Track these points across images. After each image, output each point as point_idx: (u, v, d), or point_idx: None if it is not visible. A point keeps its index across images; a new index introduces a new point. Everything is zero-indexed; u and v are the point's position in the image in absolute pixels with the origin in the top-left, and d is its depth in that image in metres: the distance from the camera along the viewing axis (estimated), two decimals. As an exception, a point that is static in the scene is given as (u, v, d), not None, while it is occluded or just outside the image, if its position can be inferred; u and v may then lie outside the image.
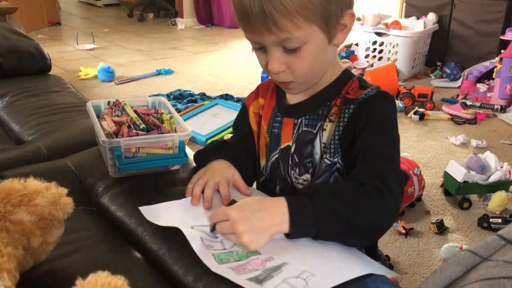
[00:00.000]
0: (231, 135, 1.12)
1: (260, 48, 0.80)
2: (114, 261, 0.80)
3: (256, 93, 1.00)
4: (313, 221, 0.72)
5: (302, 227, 0.73)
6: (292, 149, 0.90)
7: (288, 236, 0.74)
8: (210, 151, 0.97)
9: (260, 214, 0.72)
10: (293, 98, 0.91)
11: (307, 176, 0.88)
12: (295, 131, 0.89)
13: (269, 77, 0.89)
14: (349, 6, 0.80)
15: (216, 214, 0.76)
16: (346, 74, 0.89)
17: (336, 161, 0.85)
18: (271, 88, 0.97)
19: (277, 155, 0.93)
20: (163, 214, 0.83)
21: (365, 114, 0.81)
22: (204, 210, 0.84)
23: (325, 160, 0.85)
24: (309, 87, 0.86)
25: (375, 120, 0.81)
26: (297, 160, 0.89)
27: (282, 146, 0.91)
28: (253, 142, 1.00)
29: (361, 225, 0.73)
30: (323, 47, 0.80)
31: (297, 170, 0.89)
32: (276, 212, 0.72)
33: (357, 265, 0.72)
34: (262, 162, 0.97)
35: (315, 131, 0.87)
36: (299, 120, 0.89)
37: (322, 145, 0.86)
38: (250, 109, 1.00)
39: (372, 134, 0.80)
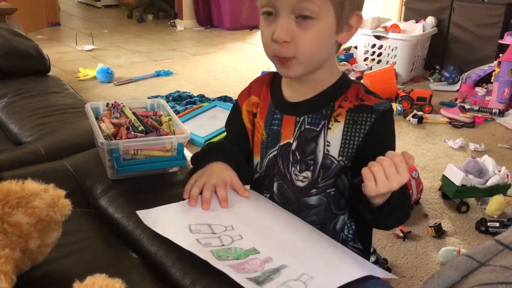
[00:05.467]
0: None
1: (269, 14, 0.82)
2: (111, 263, 0.80)
3: (248, 91, 1.00)
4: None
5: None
6: (294, 146, 0.90)
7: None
8: (207, 153, 0.97)
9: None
10: (294, 97, 0.92)
11: (308, 174, 0.89)
12: (297, 128, 0.90)
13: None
14: (359, 8, 0.84)
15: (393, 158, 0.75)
16: (346, 77, 0.92)
17: (346, 161, 0.87)
18: (265, 86, 0.97)
19: (275, 152, 0.93)
20: (160, 217, 0.83)
21: (382, 127, 0.87)
22: (201, 211, 0.84)
23: (340, 162, 0.87)
24: (305, 73, 0.86)
25: (387, 133, 0.88)
26: (298, 157, 0.90)
27: (281, 143, 0.92)
28: (246, 140, 1.00)
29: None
30: (330, 33, 0.83)
31: (298, 167, 0.90)
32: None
33: (355, 267, 0.72)
34: (256, 159, 0.97)
35: (318, 129, 0.88)
36: (301, 118, 0.90)
37: (326, 143, 0.88)
38: (243, 107, 1.00)
39: (384, 145, 0.83)
